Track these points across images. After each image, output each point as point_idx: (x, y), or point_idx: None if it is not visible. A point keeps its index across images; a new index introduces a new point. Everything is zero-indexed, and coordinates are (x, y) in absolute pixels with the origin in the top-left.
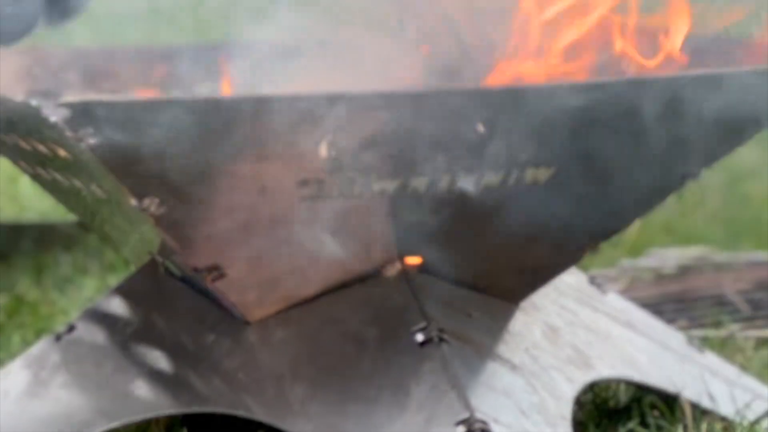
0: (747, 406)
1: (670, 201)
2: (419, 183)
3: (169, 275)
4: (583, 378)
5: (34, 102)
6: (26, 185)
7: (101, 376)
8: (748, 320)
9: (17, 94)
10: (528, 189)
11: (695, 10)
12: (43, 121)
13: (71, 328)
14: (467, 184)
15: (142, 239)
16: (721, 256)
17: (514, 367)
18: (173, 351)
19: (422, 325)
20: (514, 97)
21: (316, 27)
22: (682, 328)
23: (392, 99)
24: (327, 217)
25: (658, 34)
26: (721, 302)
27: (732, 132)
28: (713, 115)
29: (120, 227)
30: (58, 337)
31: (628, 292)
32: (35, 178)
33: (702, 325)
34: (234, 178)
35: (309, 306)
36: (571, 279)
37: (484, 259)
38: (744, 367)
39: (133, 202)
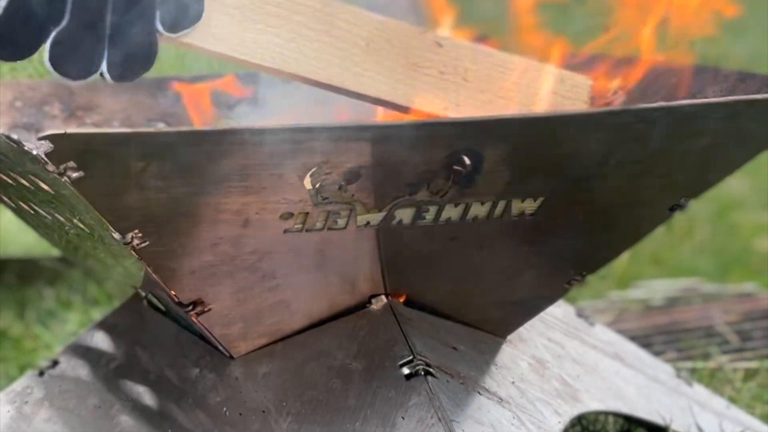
0: None
1: (659, 232)
2: (405, 215)
3: (152, 309)
4: (570, 411)
5: (15, 135)
6: (9, 220)
7: (85, 411)
8: (737, 352)
9: None
10: (514, 221)
11: None
12: (25, 155)
13: (55, 363)
14: (453, 215)
15: (125, 273)
16: (709, 287)
17: (500, 401)
18: (157, 386)
19: (408, 358)
20: (499, 127)
21: None
22: (671, 360)
23: (375, 130)
24: (312, 251)
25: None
26: (709, 334)
27: (719, 162)
28: (702, 144)
29: (103, 261)
30: (41, 372)
31: (616, 324)
32: (18, 212)
33: (691, 357)
34: (217, 212)
35: (294, 340)
36: (559, 311)
37: (471, 292)
38: (733, 399)
39: (116, 236)
